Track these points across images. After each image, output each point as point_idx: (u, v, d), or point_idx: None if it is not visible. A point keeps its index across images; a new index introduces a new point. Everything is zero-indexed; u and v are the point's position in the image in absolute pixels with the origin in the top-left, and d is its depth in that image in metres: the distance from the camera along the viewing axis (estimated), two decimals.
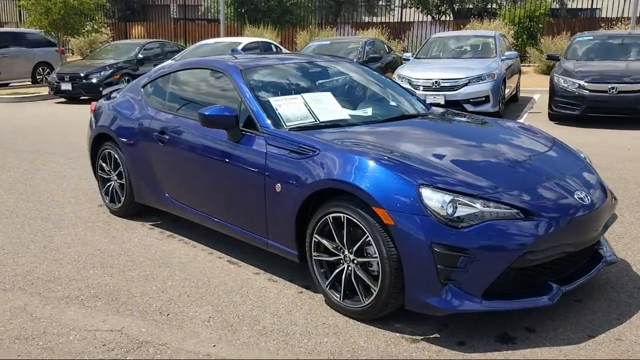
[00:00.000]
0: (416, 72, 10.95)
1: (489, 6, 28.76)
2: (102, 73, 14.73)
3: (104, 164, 5.49)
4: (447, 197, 3.02)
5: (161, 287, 3.92)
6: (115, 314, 3.53)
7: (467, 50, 12.23)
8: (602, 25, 17.61)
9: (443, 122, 4.50)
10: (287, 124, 3.95)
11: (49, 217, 5.45)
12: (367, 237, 3.18)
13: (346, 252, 3.37)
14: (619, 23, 16.99)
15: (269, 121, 3.92)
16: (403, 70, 11.23)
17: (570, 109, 10.11)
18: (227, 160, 4.04)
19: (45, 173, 7.20)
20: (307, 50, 13.63)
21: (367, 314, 3.32)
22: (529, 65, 18.03)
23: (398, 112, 4.50)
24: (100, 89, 14.37)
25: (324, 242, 3.47)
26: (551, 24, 19.84)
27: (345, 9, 32.69)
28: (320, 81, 4.65)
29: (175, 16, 36.37)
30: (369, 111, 4.45)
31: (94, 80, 14.59)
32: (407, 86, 10.20)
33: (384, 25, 20.22)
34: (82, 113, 12.71)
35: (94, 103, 5.87)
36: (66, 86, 14.72)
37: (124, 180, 5.21)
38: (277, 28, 20.65)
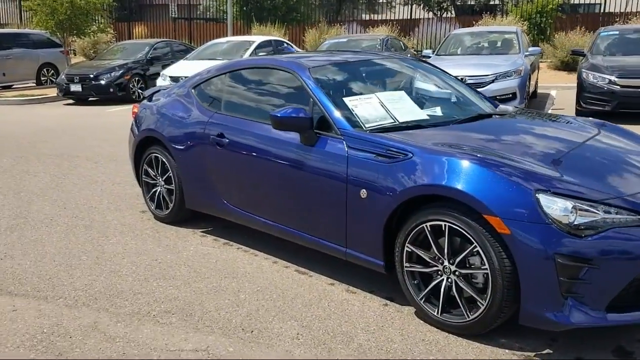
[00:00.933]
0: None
1: (492, 2, 28.61)
2: (112, 74, 14.46)
3: (149, 169, 5.24)
4: (569, 204, 2.80)
5: (234, 300, 3.68)
6: (195, 331, 3.29)
7: (489, 47, 12.01)
8: (617, 20, 17.42)
9: (527, 121, 4.27)
10: (366, 125, 3.72)
11: (92, 225, 5.20)
12: (475, 247, 2.96)
13: (446, 263, 3.14)
14: (635, 17, 16.80)
15: (347, 123, 3.69)
16: None
17: (600, 105, 9.92)
18: (299, 164, 3.81)
19: (75, 178, 6.94)
20: (322, 48, 13.37)
21: (471, 329, 3.09)
22: (542, 61, 17.82)
23: (473, 111, 4.27)
24: (111, 89, 14.16)
25: (419, 252, 3.25)
26: (561, 19, 19.65)
27: (346, 6, 32.49)
28: (389, 79, 4.42)
29: (174, 16, 36.05)
30: (438, 110, 4.22)
31: (104, 81, 14.32)
32: None
33: (394, 23, 20.00)
34: (94, 115, 12.48)
35: (136, 106, 5.62)
36: (76, 87, 14.44)
37: (173, 185, 4.97)
38: (284, 26, 20.38)
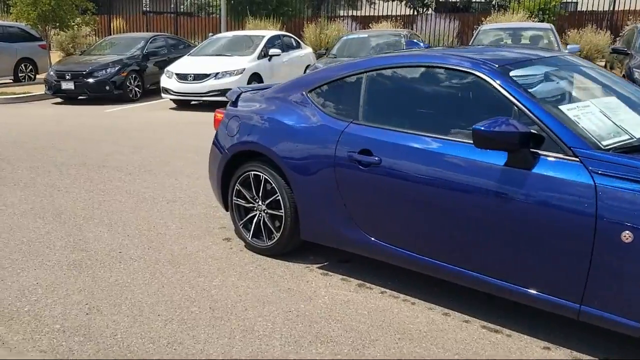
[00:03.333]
0: None
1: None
2: (108, 70, 13.25)
3: (244, 190, 4.28)
4: None
5: None
6: None
7: (526, 44, 11.31)
8: (630, 17, 16.99)
9: None
10: (602, 143, 2.86)
11: (176, 259, 4.22)
12: None
13: None
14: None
15: (581, 140, 2.83)
16: None
17: None
18: (504, 193, 2.93)
19: (117, 194, 5.90)
20: (344, 44, 12.47)
21: None
22: None
23: None
24: (107, 87, 13.00)
25: None
26: (563, 17, 19.20)
27: (328, 2, 31.59)
28: (579, 81, 3.57)
29: (147, 9, 34.56)
30: None
31: (100, 79, 13.09)
32: None
33: (396, 18, 19.19)
34: (93, 116, 11.33)
35: (219, 112, 4.64)
36: (67, 85, 13.18)
37: (282, 211, 4.03)
38: (280, 21, 19.37)
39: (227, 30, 18.26)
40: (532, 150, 2.91)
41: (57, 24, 16.19)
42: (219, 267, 4.08)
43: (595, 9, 19.33)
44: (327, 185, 3.72)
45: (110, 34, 22.30)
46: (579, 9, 21.73)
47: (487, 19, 17.16)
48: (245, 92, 4.74)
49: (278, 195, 4.05)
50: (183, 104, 12.74)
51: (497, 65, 3.26)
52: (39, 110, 12.30)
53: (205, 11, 32.76)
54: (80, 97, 13.63)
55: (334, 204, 3.72)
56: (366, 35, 12.67)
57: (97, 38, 22.23)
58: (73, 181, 6.44)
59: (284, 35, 14.19)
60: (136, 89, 13.72)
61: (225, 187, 4.48)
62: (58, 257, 4.26)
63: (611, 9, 17.55)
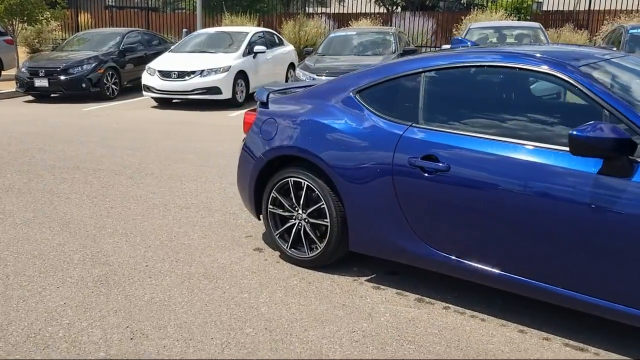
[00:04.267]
0: None
1: None
2: (84, 67, 12.68)
3: (281, 198, 4.00)
4: None
5: None
6: None
7: (515, 43, 11.25)
8: (607, 17, 17.16)
9: None
10: None
11: (210, 273, 3.92)
12: None
13: None
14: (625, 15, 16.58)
15: None
16: None
17: None
18: (601, 204, 2.73)
19: (123, 200, 5.53)
20: (330, 42, 12.21)
21: None
22: None
23: None
24: (83, 85, 12.47)
25: None
26: (538, 16, 19.33)
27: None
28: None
29: (111, 3, 33.60)
30: None
31: (76, 75, 12.52)
32: None
33: (378, 16, 18.99)
34: (70, 115, 10.88)
35: (250, 114, 4.33)
36: (41, 82, 12.56)
37: (328, 220, 3.76)
38: (257, 17, 18.96)
39: (203, 27, 17.77)
40: (632, 158, 2.71)
41: (25, 18, 15.47)
42: (260, 282, 3.78)
43: (559, 8, 19.51)
44: (383, 193, 3.47)
45: (77, 30, 21.49)
46: (543, 8, 21.92)
47: (466, 17, 17.12)
48: (274, 92, 4.45)
49: (323, 204, 3.78)
50: (164, 102, 12.28)
51: (574, 66, 3.05)
52: (11, 109, 11.68)
53: (171, 7, 31.97)
54: (52, 95, 13.02)
55: (391, 213, 3.47)
56: (354, 33, 12.43)
57: (63, 33, 21.43)
58: (71, 186, 6.02)
59: (266, 32, 13.85)
60: (113, 86, 13.19)
61: (258, 194, 4.18)
62: (80, 273, 3.90)
63: (586, 8, 17.72)
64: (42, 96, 13.13)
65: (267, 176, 4.10)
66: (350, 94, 3.77)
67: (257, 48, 12.45)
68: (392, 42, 11.77)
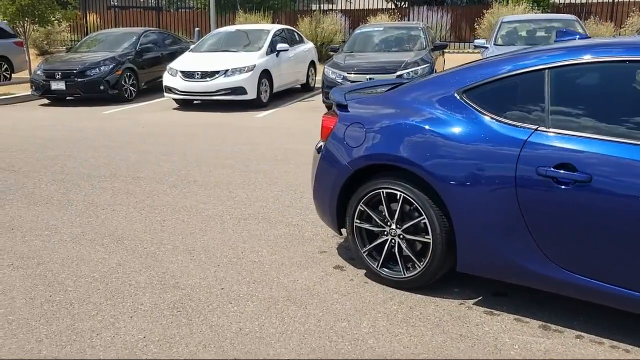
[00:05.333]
0: None
1: None
2: (101, 68, 12.26)
3: (370, 211, 3.59)
4: None
5: None
6: None
7: (551, 36, 10.84)
8: (634, 9, 16.74)
9: None
10: None
11: (295, 296, 3.52)
12: None
13: None
14: None
15: None
16: None
17: None
18: None
19: (173, 211, 5.14)
20: (356, 38, 11.80)
21: None
22: None
23: None
24: (101, 87, 12.07)
25: None
26: (558, 8, 18.91)
27: None
28: None
29: (115, 4, 33.19)
30: None
31: (94, 78, 12.10)
32: None
33: (395, 11, 18.55)
34: (91, 118, 10.54)
35: (329, 119, 3.92)
36: (58, 85, 12.15)
37: (430, 237, 3.35)
38: (269, 14, 18.53)
39: (216, 25, 17.37)
40: None
41: (37, 19, 15.04)
42: (355, 307, 3.38)
43: (581, 0, 19.10)
44: (504, 207, 3.06)
45: (87, 30, 21.08)
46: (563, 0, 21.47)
47: (489, 11, 16.69)
48: (348, 92, 4.05)
49: (424, 218, 3.37)
50: (185, 104, 11.87)
51: None
52: (29, 114, 11.27)
53: (174, 6, 31.52)
54: (68, 98, 12.61)
55: (512, 230, 3.06)
56: (381, 29, 12.02)
57: (72, 35, 21.01)
58: (113, 196, 5.62)
59: (287, 30, 13.44)
60: (131, 88, 12.77)
61: (340, 206, 3.77)
62: (151, 299, 3.49)
63: (611, 0, 17.27)
64: (58, 99, 12.72)
65: (352, 187, 3.69)
66: (455, 94, 3.35)
67: (279, 46, 12.04)
68: (422, 37, 11.36)
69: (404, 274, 3.53)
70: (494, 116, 3.18)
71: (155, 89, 13.15)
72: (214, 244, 4.37)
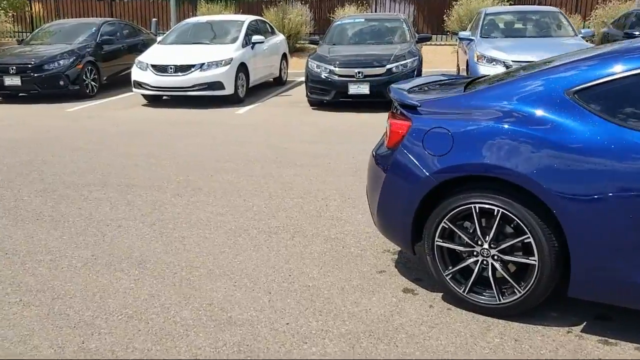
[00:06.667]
0: (510, 53, 9.18)
1: None
2: (60, 62, 11.33)
3: (456, 229, 3.12)
4: None
5: None
6: None
7: (537, 29, 10.65)
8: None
9: None
10: None
11: (375, 330, 3.03)
12: None
13: None
14: None
15: None
16: (489, 51, 9.40)
17: None
18: None
19: (189, 226, 4.57)
20: (337, 30, 11.30)
21: None
22: None
23: None
24: (61, 82, 11.17)
25: None
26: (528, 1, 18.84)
27: None
28: None
29: None
30: None
31: (53, 72, 11.16)
32: (502, 69, 8.39)
33: (362, 2, 18.03)
34: (54, 117, 9.79)
35: (398, 124, 3.40)
36: (12, 80, 11.16)
37: (536, 257, 2.92)
38: (233, 4, 17.76)
39: (177, 16, 16.51)
40: None
41: None
42: (453, 342, 2.91)
43: None
44: (635, 226, 2.64)
45: (32, 22, 19.73)
46: None
47: (458, 2, 16.43)
48: (409, 90, 3.57)
49: (527, 237, 2.92)
50: (155, 100, 11.07)
51: None
52: None
53: None
54: (21, 95, 11.59)
55: None
56: (363, 20, 11.55)
57: (15, 26, 19.61)
58: (113, 209, 4.95)
59: (260, 21, 12.80)
60: (92, 83, 11.86)
61: (417, 224, 3.28)
62: (206, 340, 2.92)
63: None
64: (10, 96, 11.67)
65: (430, 201, 3.21)
66: (565, 95, 2.90)
67: (255, 38, 11.40)
68: (405, 29, 10.98)
69: (499, 300, 3.08)
70: (619, 122, 2.76)
71: (117, 83, 12.31)
72: (252, 266, 3.81)
